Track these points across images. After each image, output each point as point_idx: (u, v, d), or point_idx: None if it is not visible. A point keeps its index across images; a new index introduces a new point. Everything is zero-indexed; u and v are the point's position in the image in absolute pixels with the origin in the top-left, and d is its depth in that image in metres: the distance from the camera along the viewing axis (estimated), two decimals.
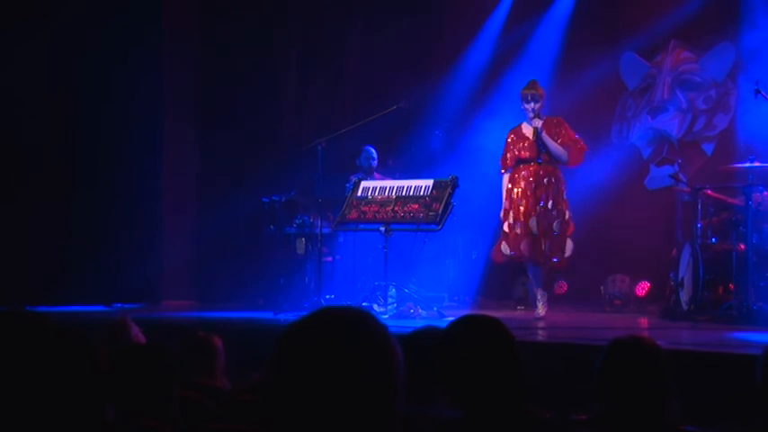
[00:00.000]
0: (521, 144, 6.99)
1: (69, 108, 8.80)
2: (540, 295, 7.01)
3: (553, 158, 6.90)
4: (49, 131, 8.78)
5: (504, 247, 7.02)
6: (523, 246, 6.88)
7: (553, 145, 6.85)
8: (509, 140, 7.09)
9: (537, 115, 6.85)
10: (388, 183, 7.38)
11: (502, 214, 7.10)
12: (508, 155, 7.07)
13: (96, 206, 8.79)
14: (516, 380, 2.32)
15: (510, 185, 7.02)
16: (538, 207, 6.86)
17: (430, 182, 7.12)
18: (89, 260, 8.63)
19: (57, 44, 8.58)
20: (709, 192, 7.01)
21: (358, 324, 1.34)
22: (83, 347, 1.63)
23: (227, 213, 8.81)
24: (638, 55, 9.25)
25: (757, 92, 6.58)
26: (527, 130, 6.99)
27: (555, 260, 6.95)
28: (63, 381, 1.57)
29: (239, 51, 9.32)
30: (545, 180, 6.91)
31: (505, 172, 7.11)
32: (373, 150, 8.21)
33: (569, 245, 6.96)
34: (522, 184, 6.93)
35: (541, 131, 6.84)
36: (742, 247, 6.58)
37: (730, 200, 6.96)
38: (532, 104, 6.86)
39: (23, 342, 1.63)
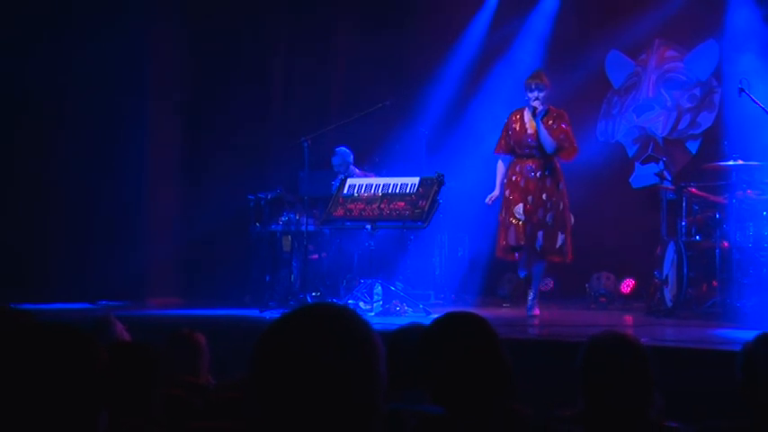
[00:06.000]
0: (520, 134, 6.83)
1: (52, 104, 8.76)
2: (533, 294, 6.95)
3: (540, 144, 6.77)
4: (33, 128, 8.74)
5: (500, 240, 6.91)
6: (510, 234, 6.82)
7: (544, 132, 6.75)
8: (510, 125, 6.92)
9: (537, 99, 6.70)
10: (374, 180, 7.39)
11: (492, 199, 6.96)
12: (504, 138, 6.93)
13: (80, 202, 8.75)
14: (499, 376, 2.33)
15: (505, 179, 6.91)
16: (527, 199, 6.76)
17: (416, 179, 7.12)
18: (73, 257, 8.59)
19: (44, 40, 8.54)
20: (693, 189, 7.05)
21: (340, 321, 1.34)
22: (80, 345, 1.62)
23: (212, 211, 8.79)
24: (623, 53, 9.29)
25: (741, 90, 6.61)
26: (528, 117, 6.84)
27: (547, 249, 6.79)
28: (56, 381, 1.56)
29: (225, 49, 9.30)
30: (538, 174, 6.79)
31: (499, 155, 6.99)
32: (346, 149, 8.20)
33: (559, 237, 6.80)
34: (514, 177, 6.86)
35: (539, 116, 6.72)
36: (725, 244, 6.63)
37: (714, 198, 7.00)
38: (536, 93, 6.72)
39: (11, 340, 1.61)
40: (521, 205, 6.77)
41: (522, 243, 6.78)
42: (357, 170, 8.17)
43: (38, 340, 1.62)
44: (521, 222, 6.76)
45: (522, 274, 7.06)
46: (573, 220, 7.03)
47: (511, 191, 6.85)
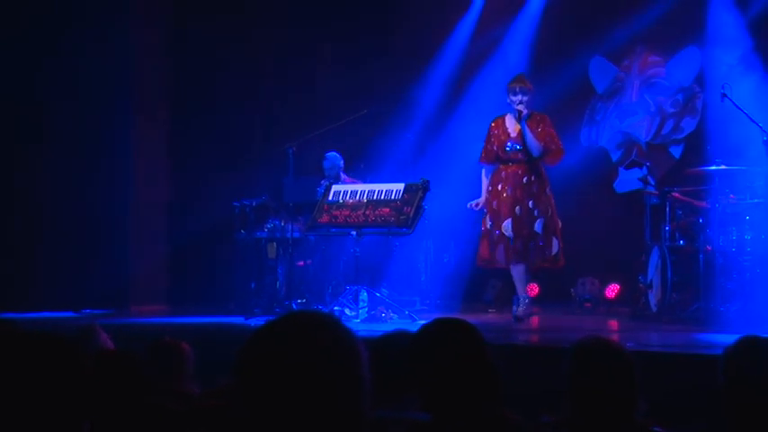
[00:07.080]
0: (503, 139, 6.82)
1: (37, 114, 8.71)
2: (522, 299, 6.93)
3: (527, 149, 6.76)
4: (17, 137, 8.68)
5: (482, 252, 6.91)
6: (498, 252, 6.81)
7: (530, 135, 6.73)
8: (492, 131, 6.90)
9: (522, 103, 6.71)
10: (359, 187, 7.39)
11: (479, 205, 6.94)
12: (487, 147, 6.91)
13: (64, 210, 8.70)
14: (487, 382, 2.33)
15: (491, 187, 6.88)
16: (515, 210, 6.74)
17: (401, 186, 7.12)
18: (57, 265, 8.53)
19: (29, 47, 8.50)
20: (676, 194, 7.09)
21: (323, 328, 1.34)
22: (64, 354, 1.61)
23: (197, 218, 8.76)
24: (606, 59, 9.35)
25: (723, 95, 6.66)
26: (511, 122, 6.84)
27: (538, 259, 6.80)
28: (40, 390, 1.55)
29: (211, 55, 9.28)
30: (524, 180, 6.76)
31: (484, 164, 6.96)
32: (337, 154, 8.22)
33: (554, 243, 6.80)
34: (500, 186, 6.83)
35: (524, 119, 6.71)
36: (709, 249, 6.66)
37: (697, 202, 7.04)
38: (520, 96, 6.73)
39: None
40: (509, 221, 6.70)
41: (513, 261, 6.75)
42: (346, 177, 8.18)
43: (21, 349, 1.61)
44: (509, 241, 6.71)
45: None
46: (560, 225, 7.04)
47: (498, 203, 6.79)
